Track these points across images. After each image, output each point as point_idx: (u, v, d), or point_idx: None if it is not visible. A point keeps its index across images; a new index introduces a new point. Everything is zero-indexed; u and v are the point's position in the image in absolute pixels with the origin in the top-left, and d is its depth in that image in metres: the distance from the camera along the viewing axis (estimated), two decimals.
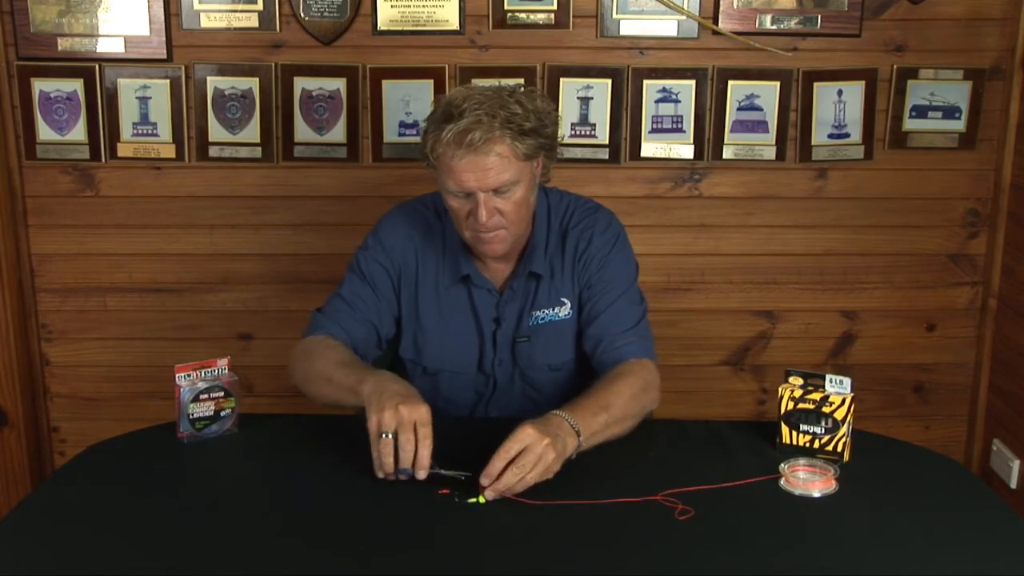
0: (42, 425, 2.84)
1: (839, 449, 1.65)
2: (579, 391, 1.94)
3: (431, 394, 1.92)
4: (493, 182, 1.69)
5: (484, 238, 1.75)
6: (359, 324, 1.84)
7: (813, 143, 2.67)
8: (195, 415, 1.72)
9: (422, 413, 1.52)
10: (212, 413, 1.74)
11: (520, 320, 1.88)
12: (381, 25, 2.58)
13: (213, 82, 2.61)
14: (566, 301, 1.88)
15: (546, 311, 1.88)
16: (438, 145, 1.69)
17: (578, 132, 2.64)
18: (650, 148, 2.66)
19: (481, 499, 1.49)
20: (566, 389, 1.93)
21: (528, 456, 1.48)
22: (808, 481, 1.57)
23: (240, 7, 2.56)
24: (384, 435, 1.51)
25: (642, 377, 1.75)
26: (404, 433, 1.50)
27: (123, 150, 2.65)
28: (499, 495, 1.48)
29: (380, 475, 1.53)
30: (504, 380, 1.91)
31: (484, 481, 1.48)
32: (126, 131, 2.64)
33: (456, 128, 1.66)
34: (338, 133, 2.64)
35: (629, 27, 2.60)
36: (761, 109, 2.64)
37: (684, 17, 2.59)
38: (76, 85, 2.60)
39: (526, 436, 1.49)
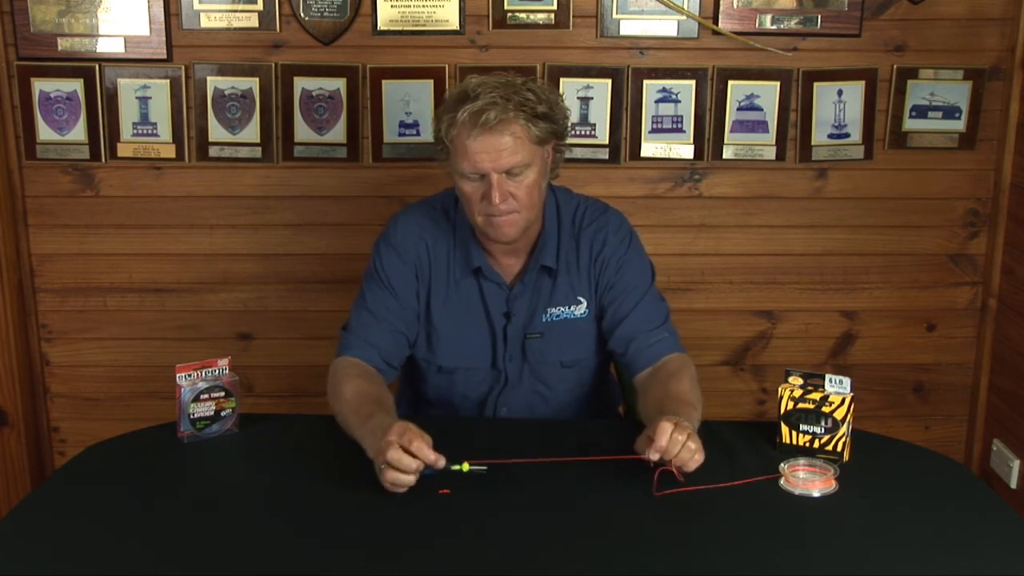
0: (42, 425, 2.84)
1: (839, 449, 1.65)
2: (591, 389, 1.96)
3: (447, 390, 1.94)
4: (507, 162, 1.71)
5: (496, 221, 1.76)
6: (386, 334, 1.85)
7: (813, 143, 2.67)
8: (196, 415, 1.72)
9: (387, 444, 1.49)
10: (212, 413, 1.74)
11: (533, 316, 1.89)
12: (381, 25, 2.58)
13: (213, 82, 2.61)
14: (582, 300, 1.89)
15: (562, 308, 1.89)
16: (453, 127, 1.72)
17: (578, 132, 2.64)
18: (650, 148, 2.66)
19: (465, 467, 1.53)
20: (576, 386, 1.95)
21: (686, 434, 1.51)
22: (808, 481, 1.57)
23: (240, 7, 2.56)
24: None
25: (691, 369, 1.81)
26: (403, 461, 1.49)
27: (123, 150, 2.65)
28: (660, 454, 1.50)
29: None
30: (514, 375, 1.92)
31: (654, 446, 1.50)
32: (126, 131, 2.64)
33: (472, 108, 1.69)
34: (338, 133, 2.64)
35: (629, 27, 2.59)
36: (761, 109, 2.64)
37: (684, 17, 2.59)
38: (76, 85, 2.60)
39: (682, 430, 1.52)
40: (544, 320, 1.89)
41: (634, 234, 1.93)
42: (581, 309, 1.89)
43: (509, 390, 1.92)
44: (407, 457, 1.48)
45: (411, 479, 1.49)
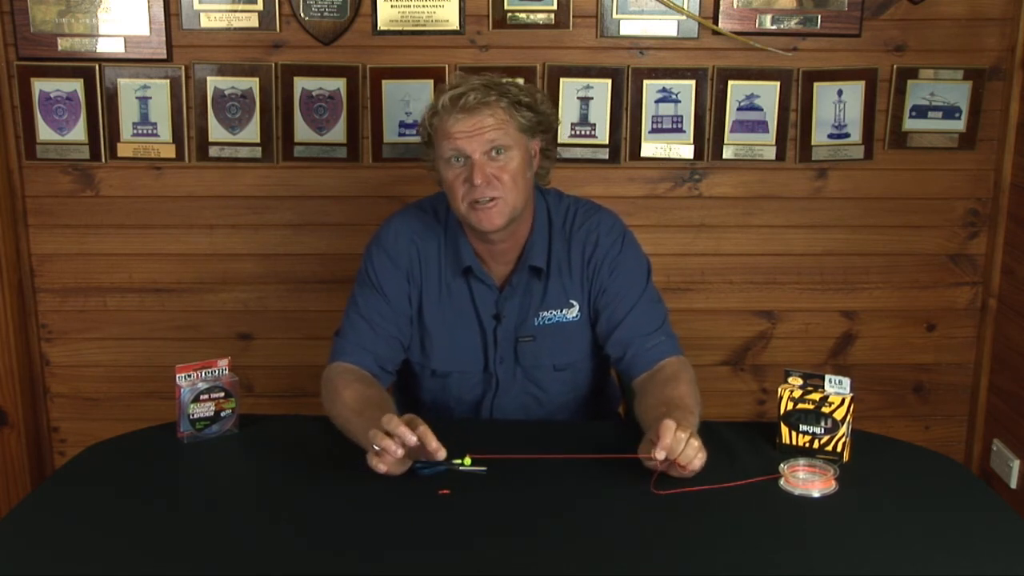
0: (42, 425, 2.84)
1: (839, 449, 1.65)
2: (587, 391, 1.95)
3: (441, 393, 1.94)
4: (488, 138, 1.72)
5: (480, 207, 1.75)
6: (380, 341, 1.84)
7: (813, 143, 2.67)
8: (195, 415, 1.72)
9: (387, 424, 1.52)
10: (212, 413, 1.74)
11: (524, 319, 1.88)
12: (381, 25, 2.58)
13: (213, 82, 2.61)
14: (575, 303, 1.88)
15: (554, 312, 1.88)
16: (436, 116, 1.75)
17: (578, 132, 2.64)
18: (650, 148, 2.66)
19: (467, 461, 1.54)
20: (570, 388, 1.94)
21: (689, 432, 1.51)
22: (808, 481, 1.57)
23: (240, 7, 2.56)
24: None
25: (688, 372, 1.79)
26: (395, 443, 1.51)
27: (123, 150, 2.65)
28: (667, 452, 1.49)
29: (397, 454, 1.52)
30: (506, 378, 1.91)
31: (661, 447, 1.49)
32: (126, 131, 2.64)
33: (453, 93, 1.73)
34: (338, 133, 2.64)
35: (629, 27, 2.59)
36: (761, 109, 2.64)
37: (684, 17, 2.59)
38: (76, 85, 2.60)
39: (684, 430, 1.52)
40: (536, 323, 1.87)
41: (628, 234, 1.91)
42: (573, 312, 1.88)
43: (502, 393, 1.92)
44: (385, 438, 1.50)
45: (395, 448, 1.49)
